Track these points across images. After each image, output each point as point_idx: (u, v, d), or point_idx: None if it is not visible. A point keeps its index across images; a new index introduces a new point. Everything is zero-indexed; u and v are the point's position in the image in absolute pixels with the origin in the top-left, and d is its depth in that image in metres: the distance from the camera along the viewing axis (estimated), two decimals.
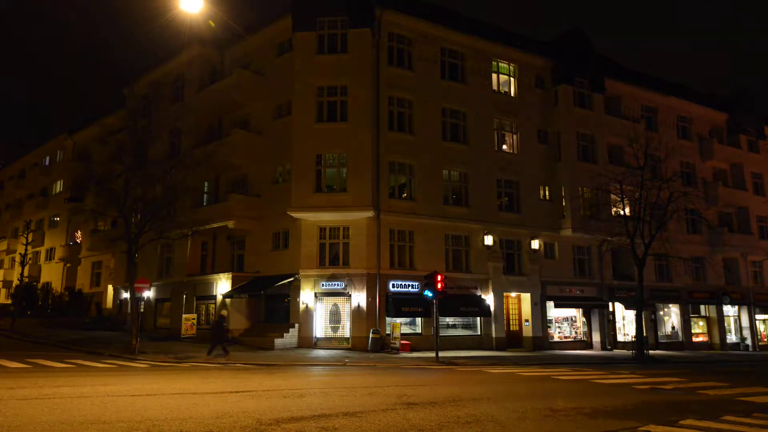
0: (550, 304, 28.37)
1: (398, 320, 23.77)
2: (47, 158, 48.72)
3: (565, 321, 29.57)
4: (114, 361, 16.86)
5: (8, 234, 51.32)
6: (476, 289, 26.24)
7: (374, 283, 23.68)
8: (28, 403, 8.13)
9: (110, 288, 36.28)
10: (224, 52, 30.67)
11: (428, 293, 20.70)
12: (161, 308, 30.23)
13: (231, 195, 26.73)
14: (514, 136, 29.40)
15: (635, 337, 25.58)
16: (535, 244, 28.25)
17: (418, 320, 24.83)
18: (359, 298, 23.53)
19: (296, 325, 23.84)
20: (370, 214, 23.85)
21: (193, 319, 25.90)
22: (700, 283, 34.64)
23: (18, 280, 37.57)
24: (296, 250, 24.50)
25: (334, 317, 24.11)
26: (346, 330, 23.80)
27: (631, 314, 30.23)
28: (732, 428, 7.78)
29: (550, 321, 28.81)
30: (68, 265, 42.05)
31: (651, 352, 27.22)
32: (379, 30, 25.68)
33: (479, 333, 26.37)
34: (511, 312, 27.92)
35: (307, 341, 23.51)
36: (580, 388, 12.53)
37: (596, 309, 29.65)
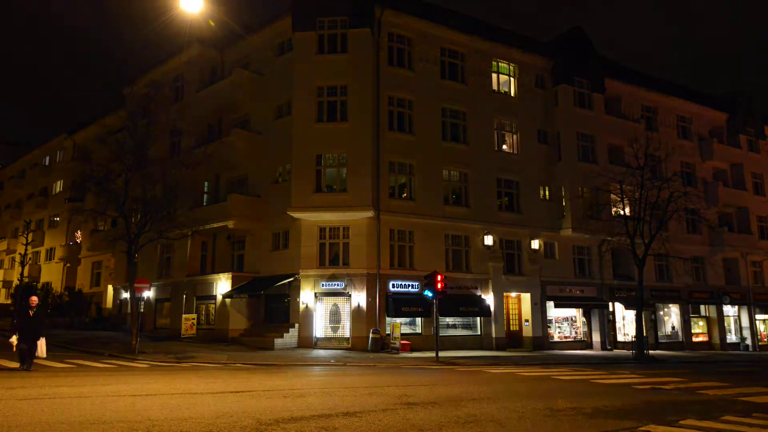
0: (550, 304, 28.37)
1: (398, 320, 23.77)
2: (47, 158, 48.70)
3: (565, 321, 29.57)
4: (114, 361, 16.86)
5: (8, 234, 51.30)
6: (476, 289, 26.23)
7: (374, 283, 23.68)
8: (28, 403, 8.12)
9: (110, 288, 36.28)
10: (224, 52, 30.67)
11: (428, 293, 20.71)
12: (161, 308, 30.24)
13: (231, 195, 26.72)
14: (514, 136, 29.40)
15: (635, 337, 25.58)
16: (535, 244, 28.25)
17: (418, 320, 24.83)
18: (359, 298, 23.53)
19: (296, 325, 23.83)
20: (370, 214, 23.85)
21: (193, 319, 25.91)
22: (700, 283, 34.64)
23: (18, 280, 37.58)
24: (296, 250, 24.50)
25: (334, 317, 24.11)
26: (346, 330, 23.80)
27: (631, 314, 30.23)
28: (732, 428, 7.78)
29: (550, 321, 28.81)
30: (68, 265, 42.04)
31: (651, 352, 27.22)
32: (379, 30, 25.68)
33: (479, 333, 26.36)
34: (511, 312, 27.92)
35: (307, 341, 23.51)
36: (580, 388, 12.53)
37: (596, 309, 29.65)
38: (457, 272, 25.93)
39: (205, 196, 30.34)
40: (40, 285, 43.05)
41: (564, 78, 30.48)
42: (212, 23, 27.66)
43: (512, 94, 29.68)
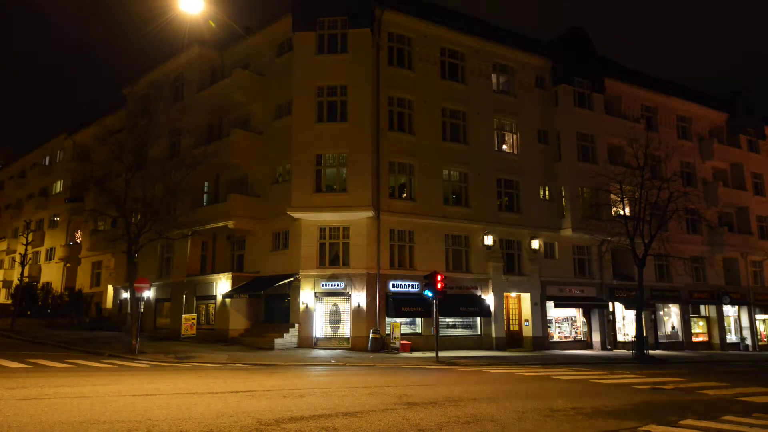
0: (550, 304, 28.37)
1: (398, 320, 23.77)
2: (47, 158, 48.73)
3: (565, 321, 29.57)
4: (114, 361, 16.86)
5: (8, 234, 51.31)
6: (476, 289, 26.24)
7: (374, 283, 23.68)
8: (28, 403, 8.12)
9: (110, 288, 36.29)
10: (224, 52, 30.69)
11: (428, 293, 20.71)
12: (161, 308, 30.24)
13: (231, 195, 26.72)
14: (514, 136, 29.41)
15: (635, 337, 25.58)
16: (535, 244, 28.26)
17: (418, 320, 24.84)
18: (359, 298, 23.53)
19: (296, 325, 23.84)
20: (370, 214, 23.85)
21: (193, 319, 25.91)
22: (700, 283, 34.65)
23: (18, 280, 37.55)
24: (296, 250, 24.50)
25: (334, 317, 24.11)
26: (346, 330, 23.80)
27: (631, 314, 30.23)
28: (732, 428, 7.78)
29: (550, 321, 28.81)
30: (68, 265, 42.04)
31: (651, 352, 27.22)
32: (379, 30, 25.68)
33: (479, 333, 26.37)
34: (511, 312, 27.92)
35: (307, 341, 23.51)
36: (580, 388, 12.53)
37: (596, 309, 29.65)
38: (457, 272, 25.93)
39: (205, 196, 30.35)
40: (40, 285, 43.09)
41: (564, 78, 30.49)
42: (212, 23, 27.65)
43: (512, 94, 29.68)
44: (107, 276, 36.95)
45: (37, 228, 45.39)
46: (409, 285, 24.47)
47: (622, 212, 26.53)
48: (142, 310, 21.20)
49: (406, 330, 24.22)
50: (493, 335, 26.19)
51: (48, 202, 46.48)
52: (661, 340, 32.11)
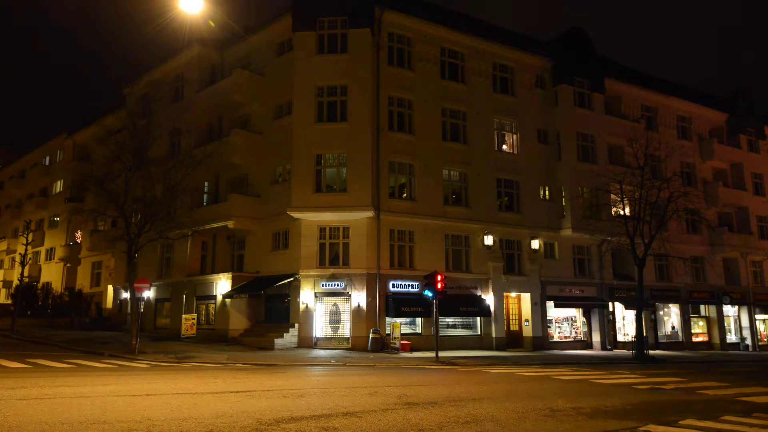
0: (550, 304, 28.38)
1: (398, 320, 23.77)
2: (47, 158, 48.74)
3: (565, 321, 29.58)
4: (114, 361, 16.86)
5: (8, 234, 51.32)
6: (476, 289, 26.24)
7: (374, 283, 23.69)
8: (28, 403, 8.12)
9: (110, 288, 36.29)
10: (224, 52, 30.70)
11: (428, 293, 20.72)
12: (161, 308, 30.24)
13: (231, 195, 26.73)
14: (514, 136, 29.41)
15: (635, 337, 25.58)
16: (535, 244, 28.26)
17: (418, 320, 24.84)
18: (359, 298, 23.53)
19: (296, 325, 23.84)
20: (370, 214, 23.85)
21: (193, 319, 25.91)
22: (700, 283, 34.65)
23: (18, 280, 37.54)
24: (296, 250, 24.51)
25: (334, 317, 24.11)
26: (346, 330, 23.80)
27: (631, 314, 30.24)
28: (732, 428, 7.78)
29: (550, 321, 28.81)
30: (68, 265, 42.05)
31: (651, 352, 27.23)
32: (379, 30, 25.69)
33: (479, 333, 26.37)
34: (511, 312, 27.93)
35: (307, 341, 23.52)
36: (580, 388, 12.53)
37: (596, 309, 29.65)
38: (457, 272, 25.94)
39: (205, 196, 30.34)
40: (40, 285, 43.09)
41: (564, 78, 30.49)
42: (212, 23, 27.67)
43: (512, 94, 29.66)
44: (107, 276, 36.96)
45: (37, 228, 45.40)
46: (409, 285, 24.47)
47: (622, 212, 26.54)
48: (142, 310, 21.20)
49: (406, 330, 24.23)
50: (493, 335, 26.19)
51: (48, 202, 46.48)
52: (661, 340, 32.11)
